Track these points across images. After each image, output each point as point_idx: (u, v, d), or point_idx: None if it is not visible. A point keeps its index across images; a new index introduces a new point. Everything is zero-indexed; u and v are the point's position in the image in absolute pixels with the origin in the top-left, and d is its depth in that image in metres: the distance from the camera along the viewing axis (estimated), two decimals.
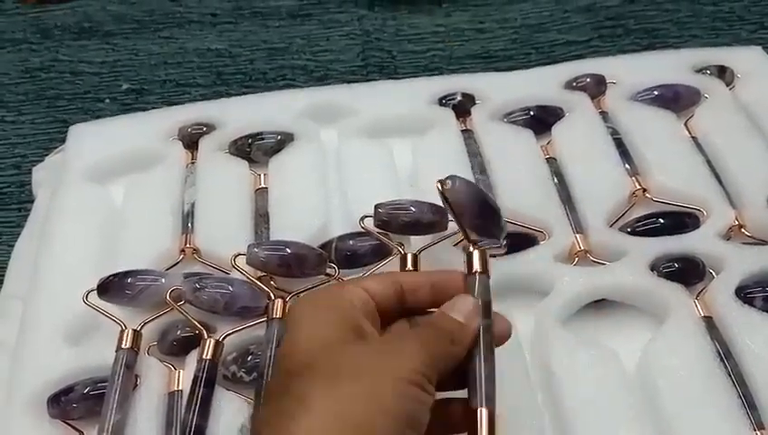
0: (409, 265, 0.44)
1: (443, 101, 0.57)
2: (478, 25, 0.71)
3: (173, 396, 0.41)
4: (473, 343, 0.32)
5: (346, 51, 0.69)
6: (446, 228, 0.46)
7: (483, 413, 0.31)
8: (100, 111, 0.65)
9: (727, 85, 0.56)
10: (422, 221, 0.46)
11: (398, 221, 0.46)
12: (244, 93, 0.64)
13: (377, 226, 0.46)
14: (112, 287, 0.43)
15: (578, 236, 0.47)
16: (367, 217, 0.46)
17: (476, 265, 0.35)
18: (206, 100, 0.63)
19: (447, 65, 0.67)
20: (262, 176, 0.52)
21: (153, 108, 0.64)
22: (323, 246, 0.46)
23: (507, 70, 0.63)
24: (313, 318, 0.32)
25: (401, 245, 0.46)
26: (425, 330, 0.33)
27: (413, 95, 0.57)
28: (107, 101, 0.66)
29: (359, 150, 0.54)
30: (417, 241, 0.47)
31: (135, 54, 0.71)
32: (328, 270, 0.45)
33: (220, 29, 0.73)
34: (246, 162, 0.53)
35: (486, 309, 0.34)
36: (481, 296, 0.34)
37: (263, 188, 0.51)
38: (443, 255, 0.46)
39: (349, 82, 0.65)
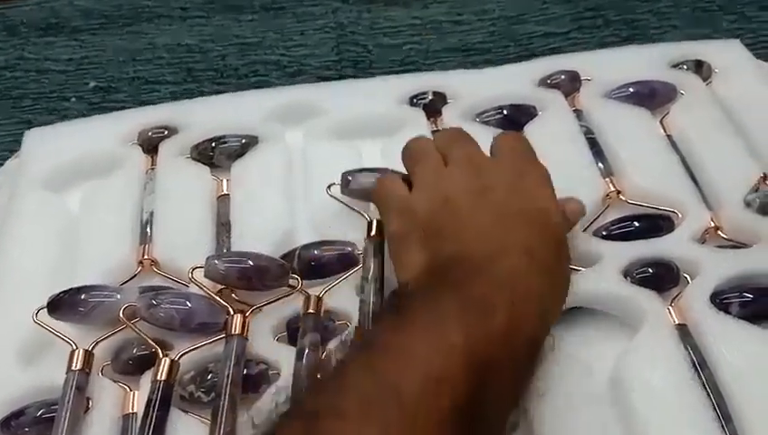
0: (374, 231, 0.43)
1: (414, 100, 0.55)
2: (456, 18, 0.69)
3: (128, 419, 0.39)
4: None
5: (320, 45, 0.67)
6: None
7: None
8: (66, 110, 0.63)
9: (704, 80, 0.55)
10: None
11: (366, 188, 0.45)
12: (216, 90, 0.62)
13: (343, 193, 0.47)
14: (64, 304, 0.41)
15: None
16: (333, 184, 0.47)
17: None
18: (177, 97, 0.62)
19: (424, 60, 0.65)
20: (224, 181, 0.51)
21: (122, 107, 0.62)
22: (286, 256, 0.45)
23: (485, 63, 0.61)
24: None
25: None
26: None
27: (383, 94, 0.55)
28: (73, 100, 0.64)
29: (326, 153, 0.52)
30: None
31: (102, 51, 0.68)
32: (291, 281, 0.43)
33: (191, 23, 0.70)
34: (208, 168, 0.51)
35: None
36: None
37: (225, 194, 0.50)
38: None
39: (323, 77, 0.63)
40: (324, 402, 0.29)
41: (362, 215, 0.46)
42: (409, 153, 0.43)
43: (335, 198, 0.47)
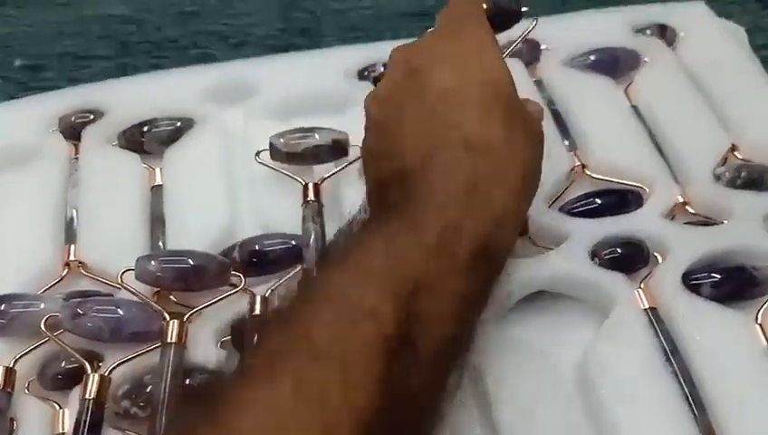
0: (311, 196, 0.43)
1: (363, 73, 0.52)
2: None
3: None
4: None
5: (265, 13, 0.63)
6: (348, 154, 0.45)
7: None
8: None
9: (669, 45, 0.52)
10: (323, 147, 0.45)
11: (296, 150, 0.44)
12: (153, 65, 0.58)
13: (274, 158, 0.45)
14: None
15: None
16: (262, 151, 0.45)
17: None
18: (111, 74, 0.57)
19: (376, 26, 0.62)
20: (157, 170, 0.46)
21: (52, 86, 0.57)
22: (226, 253, 0.41)
23: None
24: None
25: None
26: None
27: (329, 68, 0.51)
28: None
29: (269, 135, 0.48)
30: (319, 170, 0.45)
31: (29, 26, 0.63)
32: (232, 280, 0.40)
33: None
34: (138, 155, 0.47)
35: None
36: None
37: (158, 185, 0.46)
38: (349, 181, 0.44)
39: (269, 47, 0.59)
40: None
41: (296, 179, 0.44)
42: None
43: (265, 164, 0.45)
